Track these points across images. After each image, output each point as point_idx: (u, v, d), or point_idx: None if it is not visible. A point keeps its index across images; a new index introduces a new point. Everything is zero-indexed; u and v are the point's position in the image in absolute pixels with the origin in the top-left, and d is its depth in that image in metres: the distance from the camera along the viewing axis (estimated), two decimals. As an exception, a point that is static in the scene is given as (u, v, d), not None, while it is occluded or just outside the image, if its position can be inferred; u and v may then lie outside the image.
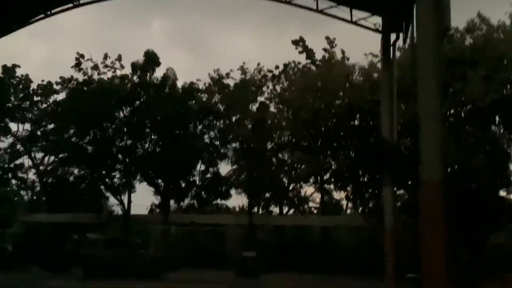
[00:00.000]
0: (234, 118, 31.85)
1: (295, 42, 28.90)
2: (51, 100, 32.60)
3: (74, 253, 24.11)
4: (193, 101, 30.51)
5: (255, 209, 32.78)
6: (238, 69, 31.18)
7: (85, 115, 27.35)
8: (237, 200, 35.19)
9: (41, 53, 71.84)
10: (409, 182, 22.40)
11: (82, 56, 29.66)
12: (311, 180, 30.89)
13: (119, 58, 30.18)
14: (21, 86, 32.57)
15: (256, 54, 76.90)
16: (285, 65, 30.59)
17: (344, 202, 35.78)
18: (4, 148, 33.14)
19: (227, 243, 27.40)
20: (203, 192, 32.39)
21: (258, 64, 31.57)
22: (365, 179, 24.75)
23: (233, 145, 31.78)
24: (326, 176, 29.05)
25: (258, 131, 30.11)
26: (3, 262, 24.54)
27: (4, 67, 32.20)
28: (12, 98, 32.56)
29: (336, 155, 26.03)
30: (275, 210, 34.04)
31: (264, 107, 31.31)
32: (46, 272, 22.69)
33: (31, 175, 34.83)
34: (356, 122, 25.63)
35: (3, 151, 33.23)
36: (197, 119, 30.66)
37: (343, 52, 27.71)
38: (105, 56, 30.11)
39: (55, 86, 32.19)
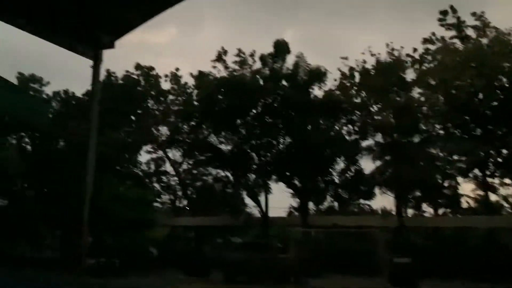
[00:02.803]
0: (374, 108, 28.78)
1: (443, 13, 24.95)
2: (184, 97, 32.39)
3: (215, 257, 23.50)
4: (321, 85, 28.02)
5: (404, 210, 29.22)
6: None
7: (219, 113, 26.61)
8: (382, 200, 32.03)
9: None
10: None
11: (225, 52, 29.10)
12: (471, 175, 26.55)
13: (252, 54, 28.97)
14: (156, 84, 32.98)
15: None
16: (426, 40, 26.46)
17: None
18: (147, 152, 34.31)
19: (374, 247, 24.49)
20: (343, 192, 29.87)
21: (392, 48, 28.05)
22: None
23: (375, 138, 28.70)
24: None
25: (403, 121, 26.61)
26: (147, 265, 24.85)
27: (138, 66, 32.33)
28: (150, 101, 33.30)
29: (505, 141, 21.52)
30: (428, 210, 30.12)
31: (408, 93, 27.73)
32: (186, 276, 22.27)
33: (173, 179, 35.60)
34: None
35: (147, 156, 34.46)
36: (332, 112, 28.13)
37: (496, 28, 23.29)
38: (238, 53, 29.18)
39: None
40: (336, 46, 72.05)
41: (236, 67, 29.05)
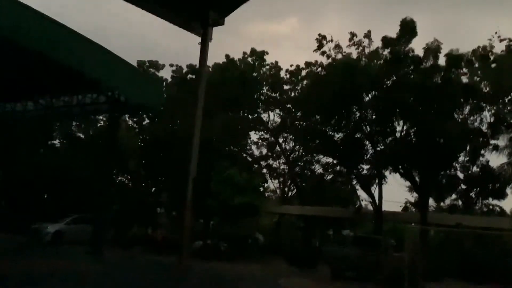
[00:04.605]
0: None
1: None
2: (299, 87, 31.58)
3: (323, 250, 22.52)
4: (458, 72, 24.87)
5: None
6: None
7: (329, 100, 25.14)
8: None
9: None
10: None
11: (324, 37, 27.55)
12: None
13: (367, 35, 26.92)
14: (271, 73, 32.32)
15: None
16: None
17: None
18: (257, 138, 34.20)
19: (505, 253, 21.64)
20: (470, 189, 26.81)
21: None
22: None
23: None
24: None
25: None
26: (252, 252, 24.58)
27: (253, 51, 31.75)
28: (265, 88, 32.73)
29: None
30: None
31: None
32: (292, 267, 21.51)
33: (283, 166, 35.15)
34: None
35: (256, 142, 34.36)
36: (460, 100, 25.10)
37: None
38: (352, 36, 27.31)
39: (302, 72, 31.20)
40: (465, 36, 66.24)
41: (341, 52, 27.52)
